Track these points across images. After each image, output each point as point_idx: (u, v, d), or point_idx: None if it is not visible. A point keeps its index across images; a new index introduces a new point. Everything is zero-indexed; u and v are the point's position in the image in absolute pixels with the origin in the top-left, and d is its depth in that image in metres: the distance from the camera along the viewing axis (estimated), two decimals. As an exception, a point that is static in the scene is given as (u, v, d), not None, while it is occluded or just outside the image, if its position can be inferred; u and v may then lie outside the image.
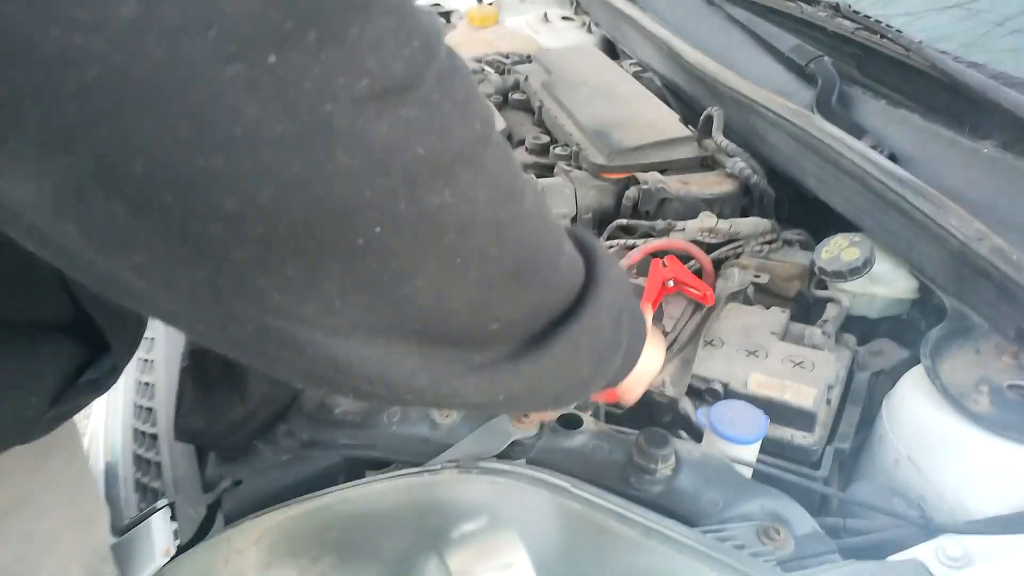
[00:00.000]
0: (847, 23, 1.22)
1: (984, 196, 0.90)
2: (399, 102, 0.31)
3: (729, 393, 0.80)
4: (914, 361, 0.83)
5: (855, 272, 0.91)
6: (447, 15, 2.04)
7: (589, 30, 1.87)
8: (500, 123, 1.34)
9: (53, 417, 0.54)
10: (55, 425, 0.56)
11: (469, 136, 0.35)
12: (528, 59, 1.60)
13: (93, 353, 0.56)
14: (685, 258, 1.08)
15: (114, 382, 0.58)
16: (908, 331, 0.95)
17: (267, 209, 0.29)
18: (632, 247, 1.07)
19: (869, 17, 1.20)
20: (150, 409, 0.91)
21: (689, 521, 0.64)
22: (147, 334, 1.03)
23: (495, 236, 0.38)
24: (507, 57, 1.64)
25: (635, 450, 0.68)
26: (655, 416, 0.81)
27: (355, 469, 0.79)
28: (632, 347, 0.56)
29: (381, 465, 0.79)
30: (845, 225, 0.99)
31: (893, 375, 0.86)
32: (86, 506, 0.65)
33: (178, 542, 0.73)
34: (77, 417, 0.62)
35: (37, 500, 0.58)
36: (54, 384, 0.54)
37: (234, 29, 0.26)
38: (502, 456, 0.71)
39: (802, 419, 0.78)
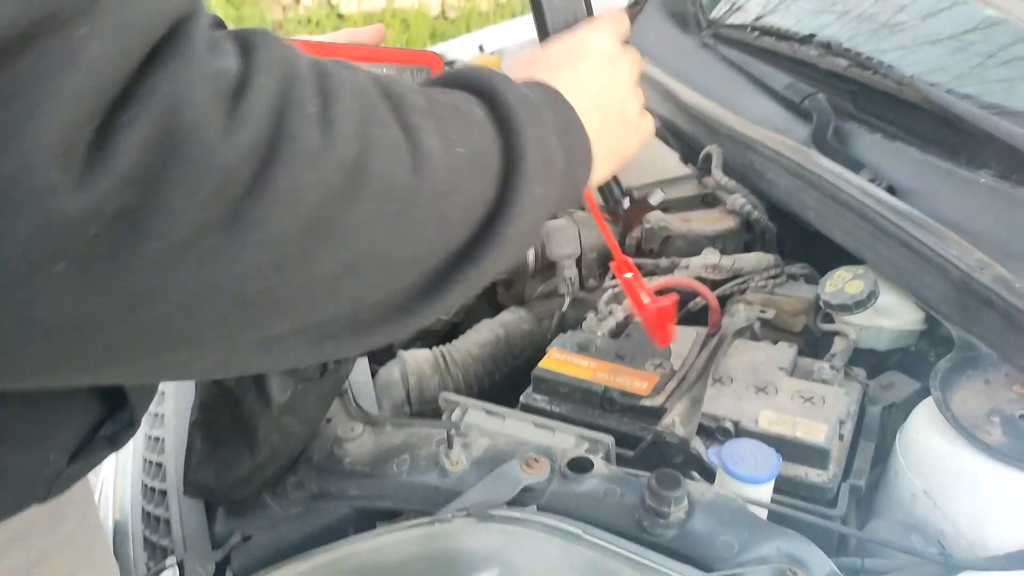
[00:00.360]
0: (839, 60, 1.24)
1: (983, 226, 0.91)
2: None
3: (740, 431, 0.80)
4: (925, 393, 0.82)
5: (860, 305, 0.91)
6: (450, 65, 2.09)
7: (586, 74, 1.91)
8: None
9: (70, 474, 0.54)
10: (72, 482, 0.55)
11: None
12: (527, 104, 1.63)
13: (110, 407, 0.56)
14: (691, 295, 1.08)
15: (131, 436, 0.58)
16: (918, 363, 0.95)
17: None
18: (636, 286, 1.08)
19: (860, 54, 1.22)
20: (159, 464, 0.91)
21: (704, 565, 0.63)
22: (158, 388, 1.04)
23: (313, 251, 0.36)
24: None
25: (647, 493, 0.67)
26: (666, 457, 0.80)
27: (366, 520, 0.78)
28: (575, 172, 0.52)
29: (392, 515, 0.78)
30: (848, 258, 1.00)
31: (905, 408, 0.85)
32: (100, 563, 0.64)
33: (188, 600, 0.73)
34: (89, 474, 0.62)
35: (52, 560, 0.57)
36: (72, 440, 0.54)
37: None
38: (513, 503, 0.70)
39: (815, 456, 0.77)
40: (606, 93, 0.57)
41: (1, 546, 0.54)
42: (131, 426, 0.56)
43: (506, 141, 0.45)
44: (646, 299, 0.83)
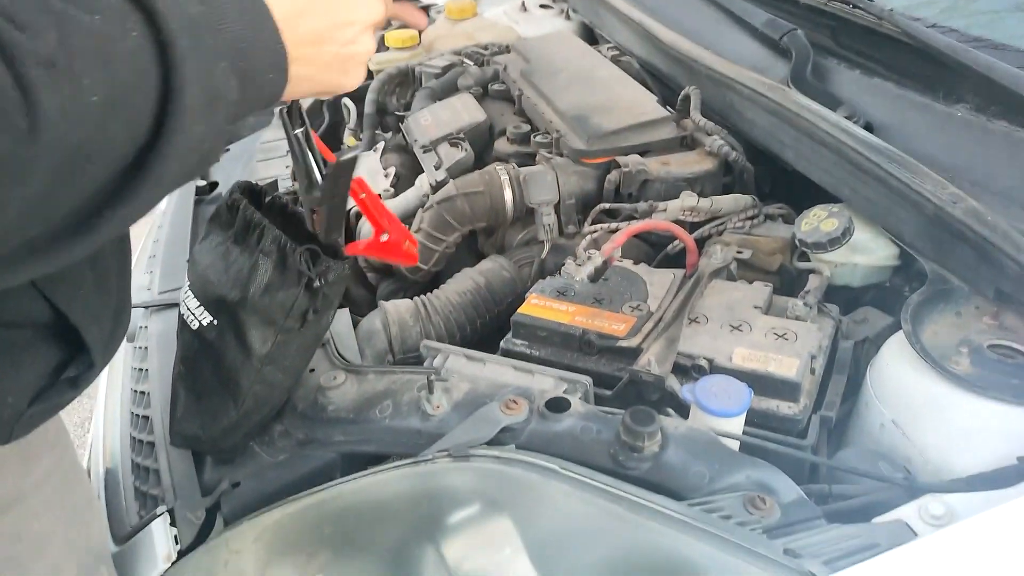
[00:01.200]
0: (819, -5, 1.22)
1: (959, 160, 0.91)
2: None
3: (714, 368, 0.81)
4: (898, 327, 0.84)
5: (835, 242, 0.92)
6: (425, 9, 2.04)
7: (567, 17, 1.87)
8: (481, 114, 1.35)
9: (32, 416, 0.55)
10: (35, 424, 0.57)
11: None
12: (507, 49, 1.60)
13: (71, 352, 0.57)
14: (670, 238, 1.09)
15: (92, 379, 0.59)
16: (892, 298, 0.96)
17: None
18: (616, 230, 1.08)
19: (840, -12, 1.20)
20: (146, 417, 0.92)
21: (677, 495, 0.66)
22: (140, 343, 1.04)
23: None
24: (486, 48, 1.64)
25: (622, 429, 0.69)
26: (643, 395, 0.82)
27: (351, 465, 0.80)
28: (255, 66, 0.47)
29: (377, 460, 0.80)
30: (825, 197, 1.00)
31: (878, 342, 0.87)
32: (79, 506, 0.66)
33: (179, 547, 0.75)
34: (75, 428, 0.63)
35: (27, 501, 0.59)
36: (32, 383, 0.55)
37: None
38: (493, 443, 0.72)
39: (786, 390, 0.79)
40: (332, 28, 0.54)
41: None
42: (91, 369, 0.57)
43: (164, 73, 0.41)
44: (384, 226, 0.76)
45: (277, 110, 0.65)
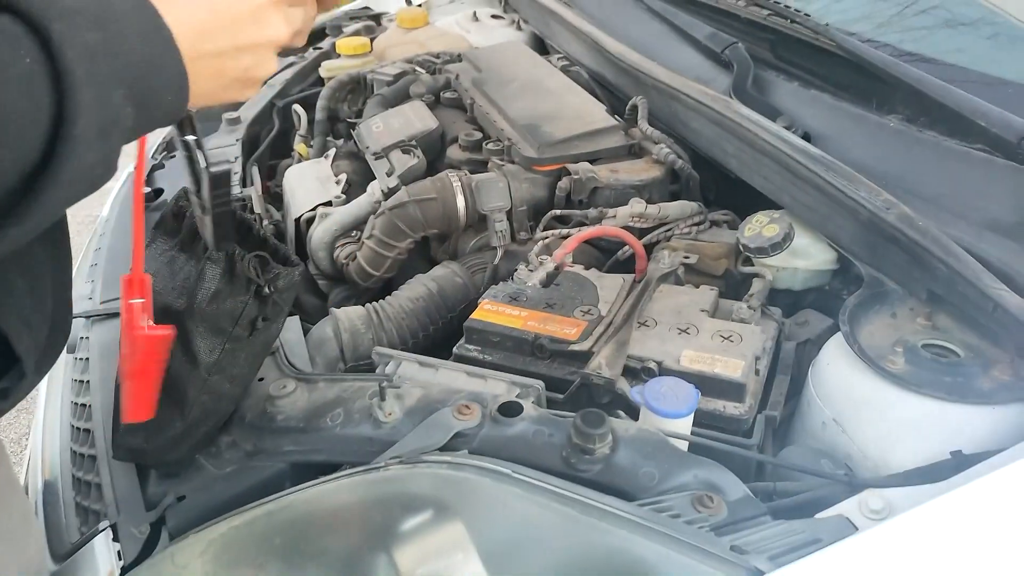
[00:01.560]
0: (760, 10, 1.26)
1: (891, 168, 0.95)
2: None
3: (663, 371, 0.83)
4: (837, 329, 0.87)
5: (776, 247, 0.95)
6: (377, 18, 2.04)
7: (519, 27, 1.89)
8: (433, 122, 1.35)
9: None
10: None
11: None
12: (459, 58, 1.61)
13: (3, 363, 0.55)
14: (619, 244, 1.10)
15: (25, 392, 0.57)
16: (832, 301, 0.99)
17: None
18: (567, 236, 1.09)
19: (779, 3, 1.25)
20: (87, 431, 0.90)
21: (628, 496, 0.67)
22: (81, 354, 1.01)
23: None
24: (438, 57, 1.65)
25: (573, 431, 0.70)
26: (594, 398, 0.83)
27: (302, 475, 0.79)
28: (150, 84, 0.46)
29: (328, 469, 0.79)
30: (767, 203, 1.03)
31: (819, 343, 0.90)
32: (14, 523, 0.64)
33: (122, 563, 0.73)
34: (11, 443, 0.61)
35: None
36: None
37: None
38: (445, 448, 0.72)
39: (732, 390, 0.81)
40: (234, 50, 0.53)
41: None
42: (23, 379, 0.56)
43: (57, 99, 0.40)
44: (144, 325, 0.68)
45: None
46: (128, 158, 0.60)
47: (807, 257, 0.98)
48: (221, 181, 0.66)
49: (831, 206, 0.92)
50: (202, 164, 0.65)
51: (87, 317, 1.05)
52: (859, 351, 0.80)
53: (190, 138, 0.64)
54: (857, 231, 0.90)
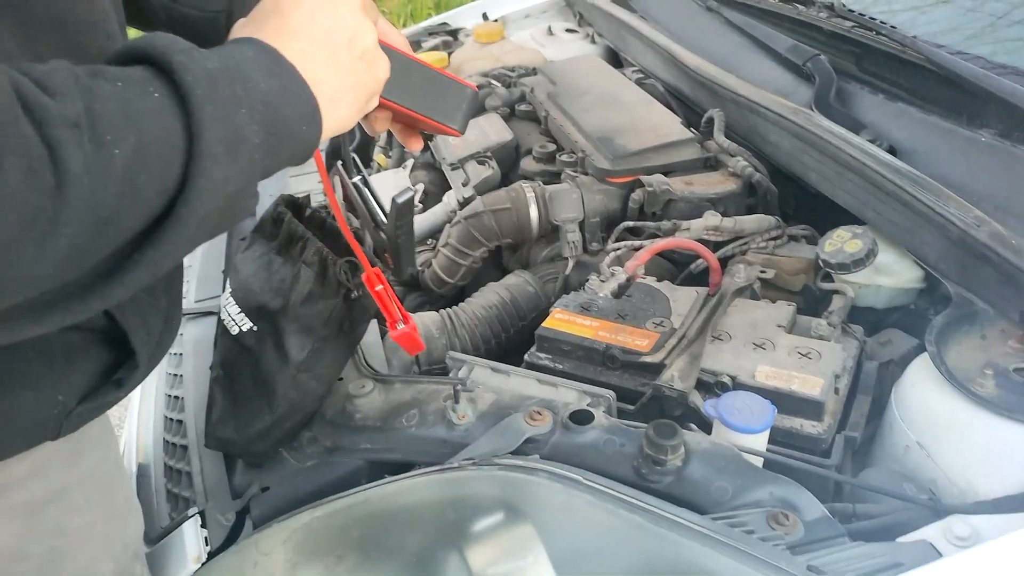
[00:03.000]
0: (843, 22, 1.24)
1: (982, 184, 0.92)
2: None
3: (737, 385, 0.82)
4: (922, 350, 0.84)
5: (859, 263, 0.93)
6: (455, 33, 2.09)
7: (592, 41, 1.90)
8: (508, 134, 1.37)
9: (80, 414, 0.58)
10: (82, 422, 0.59)
11: None
12: (533, 71, 1.63)
13: (120, 355, 0.60)
14: (693, 257, 1.10)
15: (137, 382, 0.61)
16: (917, 320, 0.96)
17: None
18: (639, 248, 1.09)
19: (864, 15, 1.22)
20: (180, 421, 0.95)
21: (700, 509, 0.66)
22: (175, 350, 1.07)
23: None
24: (513, 71, 1.68)
25: (645, 442, 0.70)
26: (665, 410, 0.83)
27: (377, 473, 0.81)
28: (278, 139, 0.49)
29: (402, 468, 0.81)
30: (849, 219, 1.01)
31: (903, 364, 0.87)
32: (119, 503, 0.68)
33: (208, 548, 0.77)
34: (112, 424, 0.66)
35: (71, 495, 0.61)
36: (82, 383, 0.58)
37: None
38: (517, 452, 0.73)
39: (810, 408, 0.79)
40: (329, 34, 0.54)
41: (20, 478, 0.58)
42: (136, 370, 0.60)
43: (185, 122, 0.44)
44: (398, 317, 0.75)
45: (338, 164, 0.67)
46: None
47: (892, 274, 0.95)
48: (404, 210, 0.69)
49: (918, 222, 0.90)
50: (372, 199, 0.67)
51: (183, 315, 1.11)
52: (946, 373, 0.77)
53: (357, 179, 0.67)
54: (946, 248, 0.87)
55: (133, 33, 0.59)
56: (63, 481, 0.60)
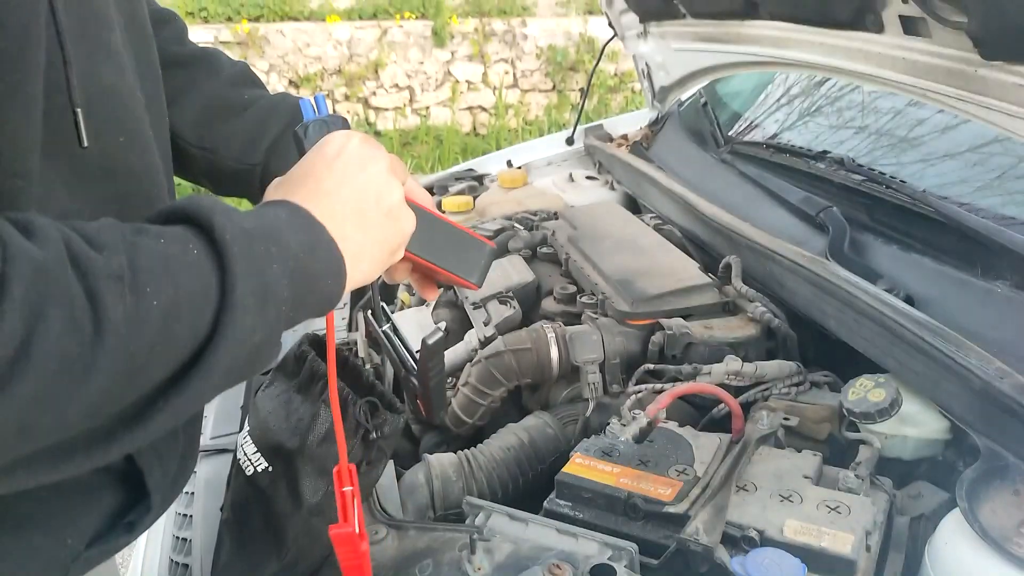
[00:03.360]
0: (853, 175, 1.29)
1: (1002, 335, 0.92)
2: None
3: (765, 541, 0.79)
4: (953, 504, 0.81)
5: (883, 413, 0.91)
6: (480, 178, 2.20)
7: (612, 188, 2.00)
8: (529, 275, 1.41)
9: (88, 558, 0.57)
10: (90, 566, 0.58)
11: None
12: (555, 216, 1.70)
13: (133, 497, 0.59)
14: (714, 401, 1.09)
15: (148, 524, 0.60)
16: (946, 472, 0.94)
17: None
18: (660, 391, 1.09)
19: (873, 169, 1.28)
20: (186, 566, 0.92)
21: None
22: (188, 489, 1.06)
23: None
24: (535, 214, 1.75)
25: (670, 602, 0.67)
26: (691, 565, 0.79)
27: (388, 626, 0.78)
28: (309, 291, 0.52)
29: (414, 621, 0.78)
30: (869, 366, 1.01)
31: (934, 519, 0.84)
32: None
33: None
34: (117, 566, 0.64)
35: None
36: (92, 525, 0.57)
37: None
38: (535, 610, 0.70)
39: (842, 567, 0.75)
40: (359, 194, 0.58)
41: None
42: (148, 512, 0.59)
43: (220, 276, 0.47)
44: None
45: (363, 312, 0.69)
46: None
47: (917, 425, 0.94)
48: (435, 350, 0.70)
49: (940, 372, 0.89)
50: (402, 346, 0.69)
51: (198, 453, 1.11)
52: (980, 531, 0.74)
53: (387, 327, 0.69)
54: (970, 400, 0.86)
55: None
56: None
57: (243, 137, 0.61)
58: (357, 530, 0.63)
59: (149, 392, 0.45)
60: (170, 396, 0.46)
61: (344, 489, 0.65)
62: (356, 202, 0.58)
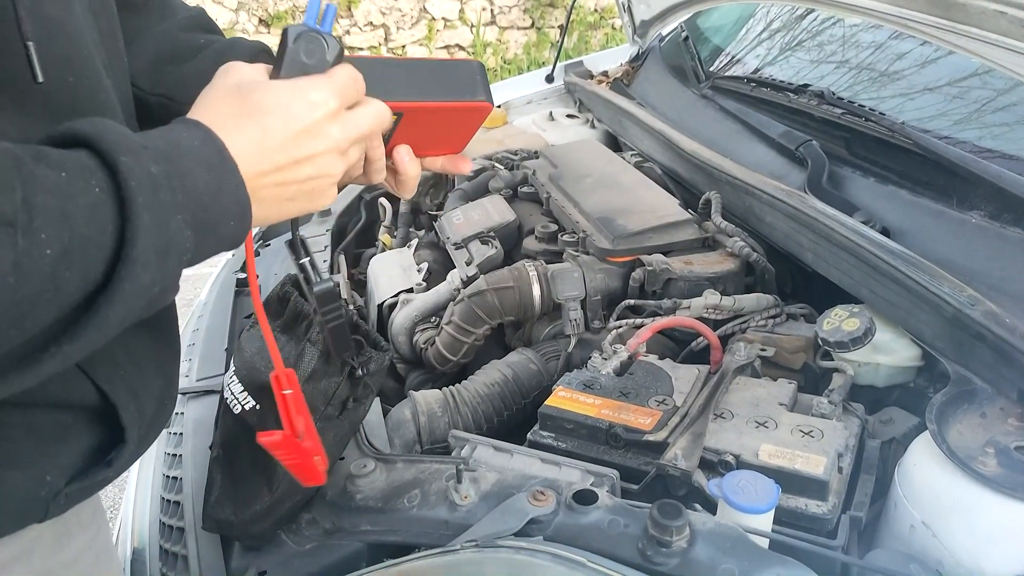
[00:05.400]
0: (833, 108, 1.29)
1: (975, 264, 0.94)
2: None
3: (741, 464, 0.82)
4: (924, 428, 0.84)
5: (857, 342, 0.94)
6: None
7: (592, 126, 1.98)
8: (510, 214, 1.41)
9: (68, 495, 0.57)
10: (71, 504, 0.59)
11: None
12: (535, 155, 1.69)
13: (113, 435, 0.60)
14: (693, 335, 1.11)
15: (129, 462, 0.61)
16: (917, 399, 0.97)
17: None
18: (640, 326, 1.11)
19: (853, 102, 1.27)
20: (177, 503, 0.94)
21: (706, 592, 0.65)
22: (176, 429, 1.07)
23: None
24: (516, 154, 1.74)
25: (650, 523, 0.69)
26: (670, 490, 0.82)
27: (377, 555, 0.80)
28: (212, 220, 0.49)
29: (403, 550, 0.80)
30: (845, 297, 1.03)
31: (905, 442, 0.87)
32: None
33: (204, 634, 0.75)
34: (105, 507, 0.65)
35: None
36: (71, 462, 0.57)
37: None
38: (520, 534, 0.72)
39: (814, 488, 0.79)
40: (293, 164, 0.55)
41: (4, 562, 0.57)
42: (128, 452, 0.60)
43: (119, 224, 0.44)
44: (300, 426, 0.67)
45: (285, 243, 0.67)
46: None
47: (890, 353, 0.96)
48: (328, 298, 0.68)
49: (913, 301, 0.91)
50: (316, 281, 0.67)
51: (183, 394, 1.12)
52: (948, 452, 0.77)
53: (304, 261, 0.67)
54: (941, 327, 0.89)
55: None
56: (48, 565, 0.59)
57: (197, 81, 0.58)
58: (299, 431, 0.62)
59: (39, 335, 0.44)
60: (62, 342, 0.45)
61: (284, 392, 0.64)
62: (285, 170, 0.55)
